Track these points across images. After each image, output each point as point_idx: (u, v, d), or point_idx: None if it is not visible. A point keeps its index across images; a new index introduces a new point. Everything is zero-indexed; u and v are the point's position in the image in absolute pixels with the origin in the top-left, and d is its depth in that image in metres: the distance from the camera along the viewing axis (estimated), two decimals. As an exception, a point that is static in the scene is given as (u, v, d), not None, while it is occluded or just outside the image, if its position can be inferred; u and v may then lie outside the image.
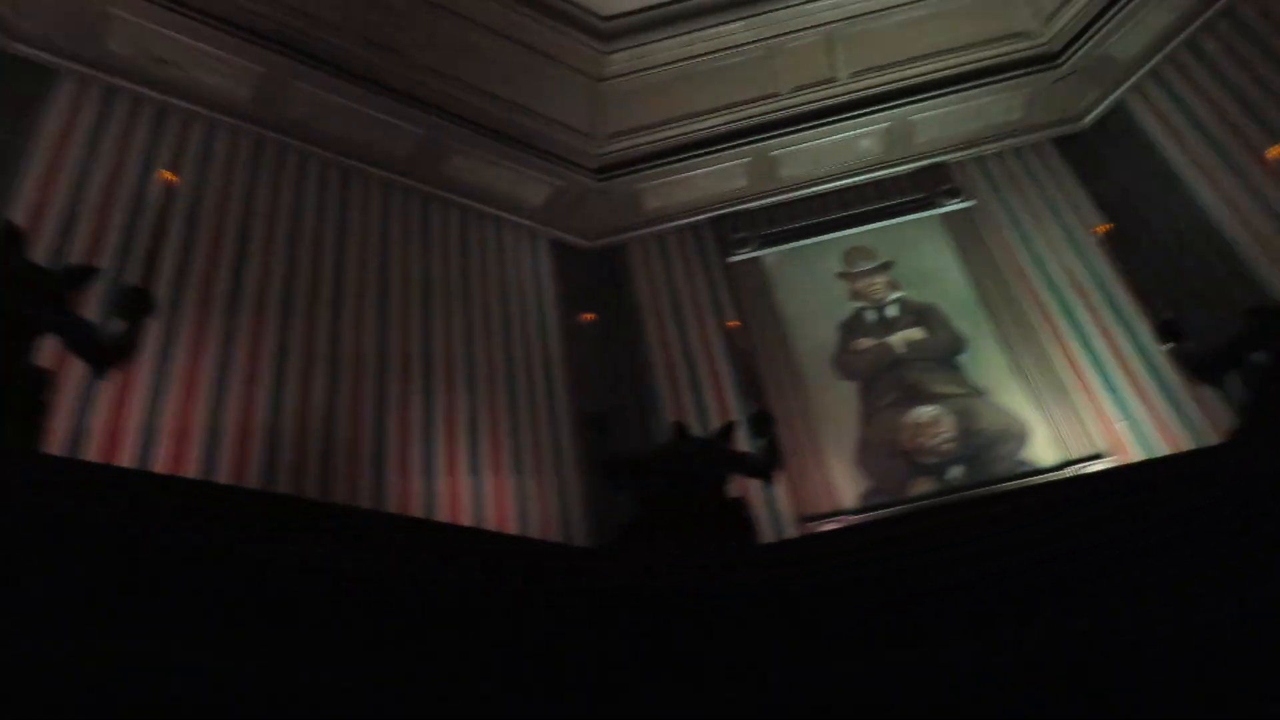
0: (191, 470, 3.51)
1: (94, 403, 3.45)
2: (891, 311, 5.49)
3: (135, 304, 2.76)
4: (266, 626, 2.15)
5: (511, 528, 4.25)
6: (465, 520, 4.11)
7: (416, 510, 3.99)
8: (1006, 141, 5.96)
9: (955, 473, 4.80)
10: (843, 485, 4.83)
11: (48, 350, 2.74)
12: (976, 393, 5.05)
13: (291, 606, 2.23)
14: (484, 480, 4.37)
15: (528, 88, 5.75)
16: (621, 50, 5.87)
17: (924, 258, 5.66)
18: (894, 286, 5.59)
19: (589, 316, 4.10)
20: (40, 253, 3.51)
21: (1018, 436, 4.87)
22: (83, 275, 2.71)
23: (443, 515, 4.06)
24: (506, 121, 5.68)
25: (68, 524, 2.15)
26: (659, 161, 5.98)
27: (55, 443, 3.15)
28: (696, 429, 4.40)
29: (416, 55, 5.37)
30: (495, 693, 2.55)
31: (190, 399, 3.73)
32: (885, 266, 5.67)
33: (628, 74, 5.94)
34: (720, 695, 2.83)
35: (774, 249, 5.87)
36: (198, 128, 4.74)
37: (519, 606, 2.82)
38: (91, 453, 3.36)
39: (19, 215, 3.73)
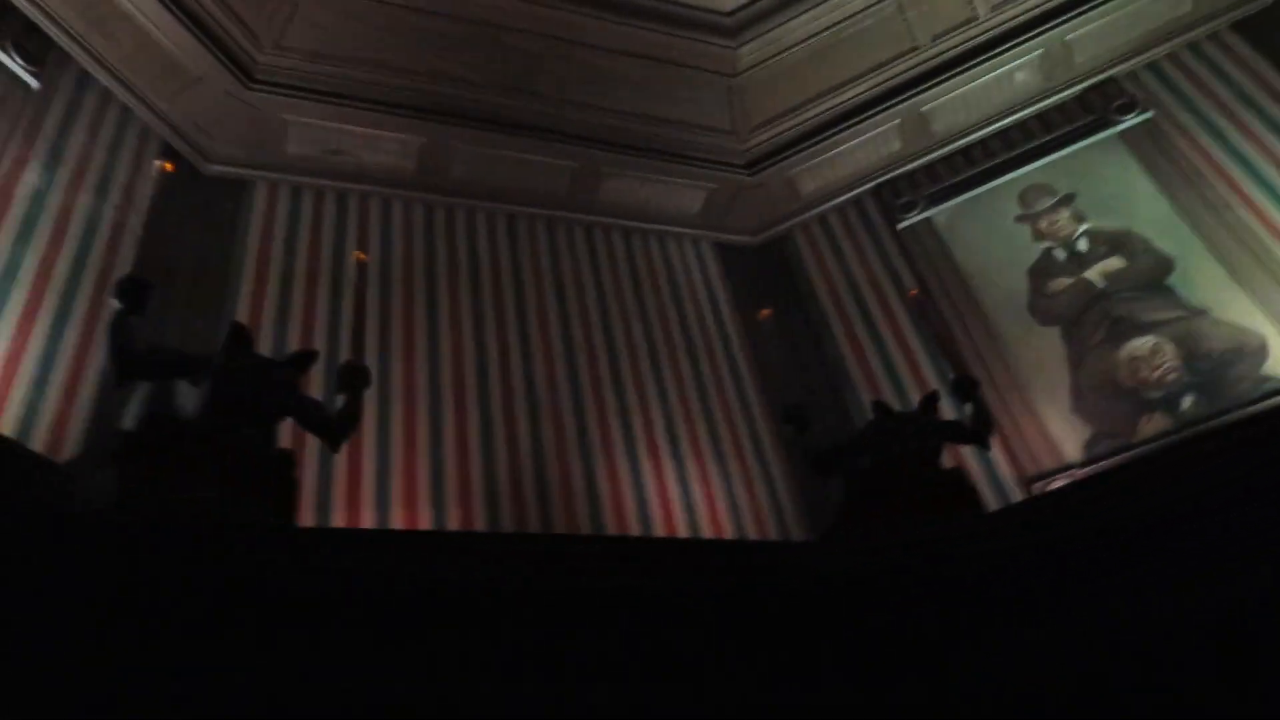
0: (425, 523, 3.73)
1: (332, 474, 3.75)
2: (1082, 245, 5.12)
3: (352, 378, 2.98)
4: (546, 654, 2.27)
5: (727, 531, 4.26)
6: (682, 531, 4.16)
7: (634, 529, 4.07)
8: (1178, 40, 5.43)
9: (1189, 403, 4.40)
10: (1064, 437, 4.53)
11: (286, 432, 2.99)
12: (1195, 313, 4.62)
13: (555, 632, 2.33)
14: (693, 489, 4.41)
15: (665, 99, 5.79)
16: (750, 41, 5.80)
17: (1108, 183, 5.25)
18: (1080, 219, 5.21)
19: (766, 312, 4.07)
20: (263, 345, 3.84)
21: (1255, 351, 4.41)
22: (304, 360, 2.94)
23: (659, 530, 4.12)
24: (651, 137, 5.74)
25: (337, 588, 2.35)
26: (808, 143, 5.87)
27: (305, 515, 3.43)
28: (897, 405, 4.25)
29: (555, 92, 5.53)
30: (753, 690, 2.55)
31: (412, 458, 3.98)
32: (1067, 200, 5.30)
33: (760, 63, 5.86)
34: (971, 670, 2.72)
35: (943, 206, 5.61)
36: (374, 205, 5.07)
37: (751, 606, 2.82)
38: (338, 519, 3.63)
39: (241, 314, 4.12)
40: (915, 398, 4.25)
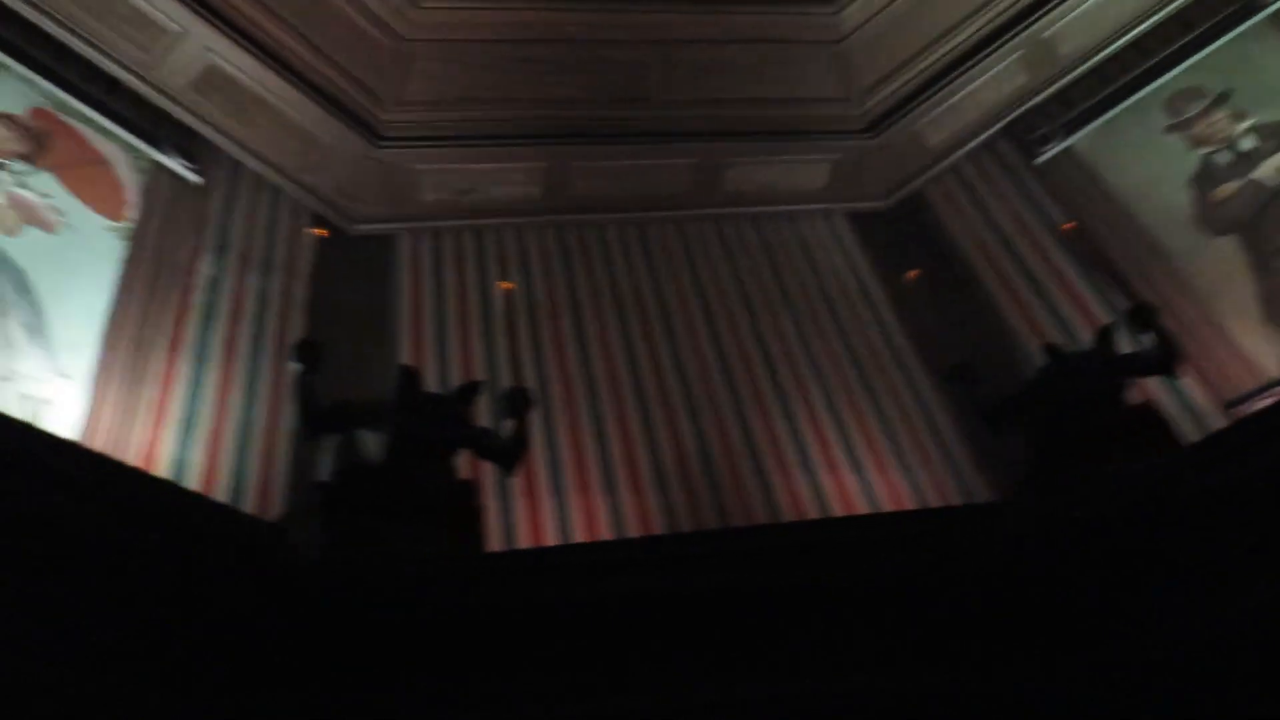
0: (606, 533, 3.79)
1: (512, 498, 3.87)
2: (1247, 144, 4.68)
3: (517, 403, 3.07)
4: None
5: (907, 502, 4.13)
6: (860, 507, 4.05)
7: (811, 511, 4.00)
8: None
9: (1403, 295, 3.95)
10: (1260, 352, 4.15)
11: (463, 463, 3.10)
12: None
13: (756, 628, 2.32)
14: (864, 463, 4.29)
15: (773, 79, 5.69)
16: (850, 4, 5.63)
17: (1266, 71, 4.77)
18: (1240, 116, 4.76)
19: (913, 274, 3.92)
20: (429, 383, 3.99)
21: None
22: (471, 391, 3.05)
23: (836, 509, 4.03)
24: (765, 119, 5.66)
25: (534, 608, 2.42)
26: (926, 94, 5.62)
27: (493, 540, 3.54)
28: (1069, 347, 4.00)
29: (663, 94, 5.54)
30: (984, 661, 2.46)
31: (584, 473, 4.05)
32: (1222, 99, 4.86)
33: (863, 23, 5.67)
34: (1203, 625, 2.51)
35: (1083, 131, 5.25)
36: (509, 236, 5.21)
37: (952, 575, 2.71)
38: (522, 541, 3.74)
39: (405, 358, 4.31)
40: (1087, 336, 4.00)
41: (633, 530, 3.81)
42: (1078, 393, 3.15)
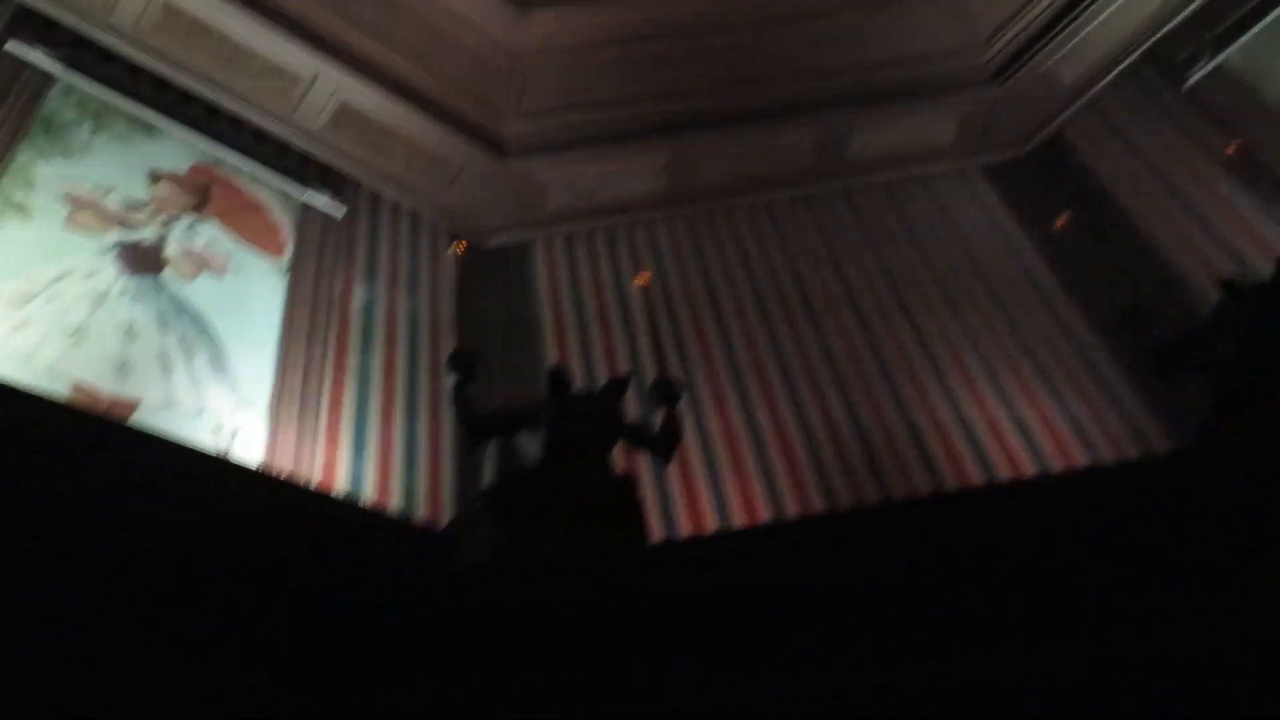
0: (765, 515, 3.76)
1: (669, 489, 3.89)
2: None
3: (666, 394, 3.07)
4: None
5: (1078, 459, 3.90)
6: (1027, 468, 3.86)
7: (975, 477, 3.85)
8: None
9: None
10: None
11: (619, 458, 3.13)
12: None
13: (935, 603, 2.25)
14: (1028, 422, 4.08)
15: (889, 37, 5.50)
16: (962, -52, 5.38)
17: None
18: None
19: (1062, 219, 3.69)
20: (578, 381, 4.07)
21: None
22: (620, 386, 3.07)
23: (1003, 472, 3.86)
24: (884, 81, 5.47)
25: (705, 597, 2.41)
26: (1053, 32, 5.29)
27: (655, 531, 3.56)
28: (1247, 280, 3.68)
29: (777, 71, 5.43)
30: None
31: (738, 457, 4.04)
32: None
33: (979, -34, 5.41)
34: None
35: (1233, 47, 4.81)
36: (639, 231, 5.25)
37: (1137, 534, 2.55)
38: (683, 529, 3.76)
39: (551, 359, 4.41)
40: (1265, 268, 3.67)
41: (791, 511, 3.76)
42: (1262, 327, 2.89)
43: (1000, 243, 4.99)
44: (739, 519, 3.76)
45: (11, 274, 3.18)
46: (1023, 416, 4.09)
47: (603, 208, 5.35)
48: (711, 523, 3.74)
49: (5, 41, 3.80)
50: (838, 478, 3.90)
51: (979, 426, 4.07)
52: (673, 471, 3.90)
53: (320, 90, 4.70)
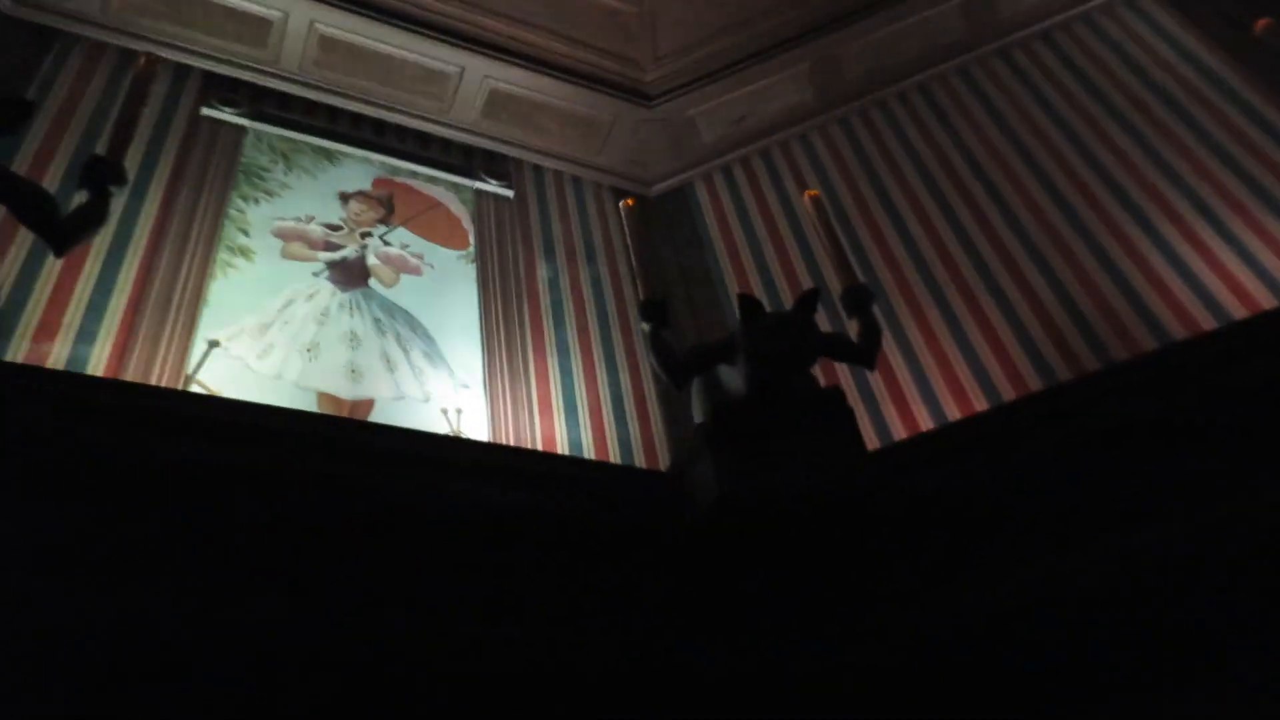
0: (980, 404, 3.62)
1: (877, 396, 3.82)
2: None
3: (858, 300, 3.02)
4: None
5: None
6: (1265, 302, 3.47)
7: (1205, 323, 3.50)
8: None
9: None
10: None
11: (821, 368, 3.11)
12: None
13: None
14: (1255, 253, 3.65)
15: None
16: None
17: None
18: None
19: (1263, 24, 3.27)
20: (767, 304, 4.03)
21: None
22: (811, 299, 3.03)
23: (1237, 312, 3.48)
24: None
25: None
26: None
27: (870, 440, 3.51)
28: None
29: (908, -55, 5.09)
30: None
31: (940, 353, 3.91)
32: None
33: None
34: None
35: None
36: (796, 147, 5.13)
37: None
38: (897, 433, 3.69)
39: (734, 291, 4.44)
40: None
41: (1008, 395, 3.60)
42: None
43: (1188, 67, 4.44)
44: (955, 413, 3.64)
45: (249, 309, 3.55)
46: (1249, 248, 3.68)
47: (757, 131, 5.23)
48: (926, 423, 3.65)
49: (200, 108, 4.21)
50: (1052, 354, 3.67)
51: (1200, 269, 3.69)
52: (877, 380, 3.83)
53: (469, 83, 4.87)
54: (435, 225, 4.43)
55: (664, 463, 3.75)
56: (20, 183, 2.42)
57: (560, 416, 3.82)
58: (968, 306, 4.02)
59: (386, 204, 4.39)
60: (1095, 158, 4.30)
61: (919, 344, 3.97)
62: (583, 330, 4.27)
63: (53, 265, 3.19)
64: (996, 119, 4.74)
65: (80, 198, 2.46)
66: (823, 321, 3.76)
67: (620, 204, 3.57)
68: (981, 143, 4.65)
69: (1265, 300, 3.45)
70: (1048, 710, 2.31)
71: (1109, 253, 3.91)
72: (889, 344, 3.87)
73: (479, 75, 4.87)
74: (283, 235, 3.92)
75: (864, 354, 3.00)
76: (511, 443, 3.56)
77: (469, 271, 4.31)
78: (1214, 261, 3.67)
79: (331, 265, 3.92)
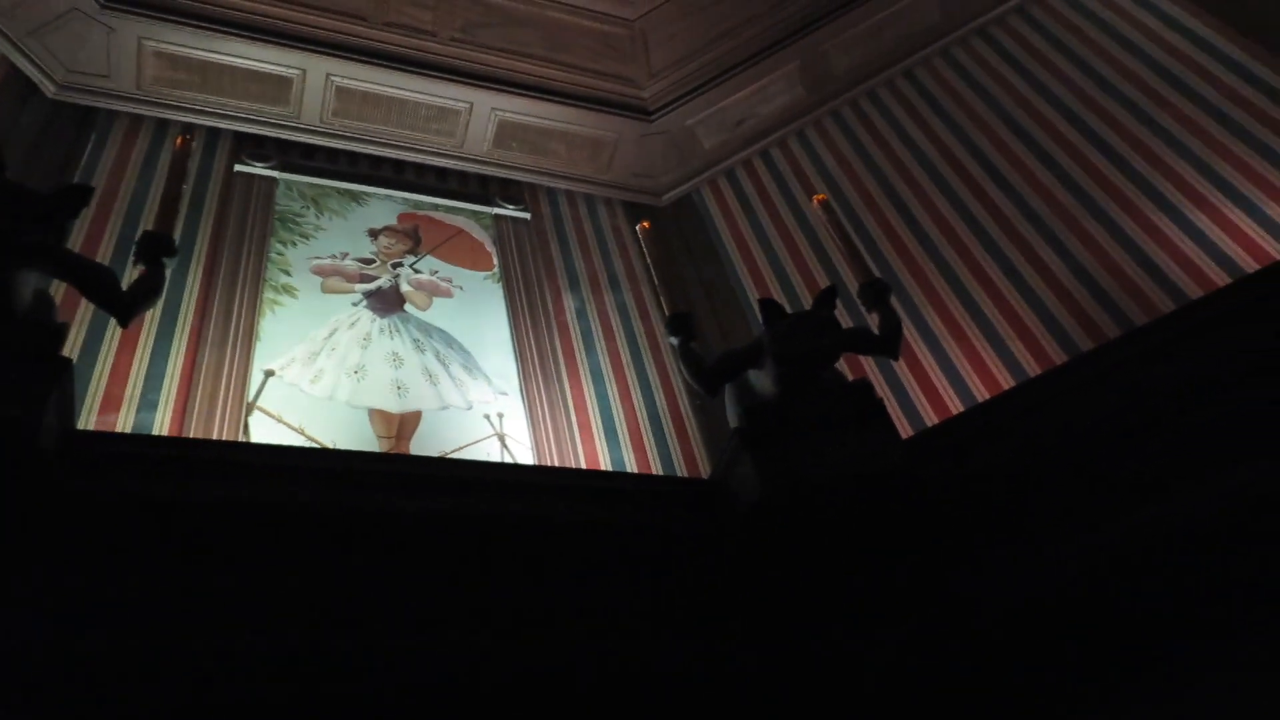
0: (1007, 382, 3.54)
1: (904, 385, 3.75)
2: None
3: (876, 293, 2.96)
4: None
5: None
6: (1274, 253, 3.37)
7: (1219, 280, 3.40)
8: None
9: None
10: None
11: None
12: None
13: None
14: (1259, 203, 3.53)
15: None
16: None
17: None
18: None
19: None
20: (786, 304, 3.94)
21: None
22: (829, 297, 2.97)
23: (1251, 264, 3.37)
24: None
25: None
26: None
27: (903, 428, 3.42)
28: None
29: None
30: None
31: (964, 340, 3.79)
32: None
33: None
34: None
35: None
36: (794, 144, 5.02)
37: None
38: (929, 420, 3.61)
39: (753, 295, 4.36)
40: None
41: (1032, 371, 3.51)
42: None
43: (1177, 34, 4.27)
44: (982, 393, 3.55)
45: (299, 339, 3.66)
46: (1258, 204, 3.56)
47: (755, 133, 5.14)
48: (956, 407, 3.57)
49: (234, 165, 4.29)
50: (1072, 328, 3.56)
51: (1211, 230, 3.58)
52: (903, 368, 3.75)
53: (478, 116, 4.82)
54: (460, 250, 4.44)
55: (705, 474, 3.69)
56: (83, 262, 2.45)
57: (601, 439, 3.77)
58: (984, 290, 3.88)
59: (413, 235, 4.40)
60: (1095, 132, 4.12)
61: (939, 329, 3.86)
62: (615, 354, 4.20)
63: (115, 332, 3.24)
64: (986, 99, 4.61)
65: (135, 271, 2.48)
66: (842, 318, 3.69)
67: (637, 227, 3.53)
68: (974, 124, 4.51)
69: (1277, 251, 3.36)
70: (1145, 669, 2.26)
71: (1119, 225, 3.76)
72: (910, 333, 3.78)
73: (486, 109, 4.83)
74: (321, 272, 4.01)
75: (887, 345, 2.93)
76: (557, 464, 3.53)
77: (496, 290, 4.30)
78: (1226, 224, 3.55)
79: (368, 295, 3.99)
